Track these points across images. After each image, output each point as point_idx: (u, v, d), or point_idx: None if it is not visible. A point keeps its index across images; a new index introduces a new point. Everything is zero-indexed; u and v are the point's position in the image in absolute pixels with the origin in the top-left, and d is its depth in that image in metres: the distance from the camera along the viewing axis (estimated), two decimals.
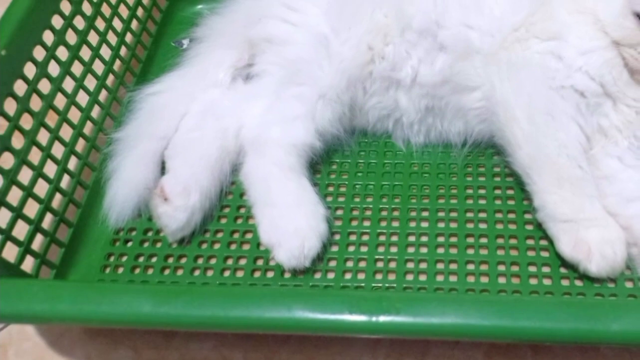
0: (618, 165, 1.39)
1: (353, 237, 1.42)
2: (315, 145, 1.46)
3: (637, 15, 1.30)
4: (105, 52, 1.64)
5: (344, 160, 1.57)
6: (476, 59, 1.44)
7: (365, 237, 1.42)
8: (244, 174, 1.45)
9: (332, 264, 1.37)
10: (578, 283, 1.32)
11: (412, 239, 1.41)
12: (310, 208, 1.37)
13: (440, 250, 1.39)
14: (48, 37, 1.44)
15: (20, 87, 1.34)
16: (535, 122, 1.35)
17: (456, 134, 1.54)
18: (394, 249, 1.39)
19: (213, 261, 1.39)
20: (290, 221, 1.34)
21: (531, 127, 1.35)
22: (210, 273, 1.37)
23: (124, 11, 1.73)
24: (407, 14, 1.46)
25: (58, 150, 1.43)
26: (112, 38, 1.66)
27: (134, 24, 1.78)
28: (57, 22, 1.47)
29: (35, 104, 1.38)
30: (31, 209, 1.33)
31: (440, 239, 1.40)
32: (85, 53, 1.56)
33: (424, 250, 1.39)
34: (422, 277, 1.35)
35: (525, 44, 1.40)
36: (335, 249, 1.40)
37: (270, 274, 1.37)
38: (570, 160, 1.32)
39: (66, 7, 1.51)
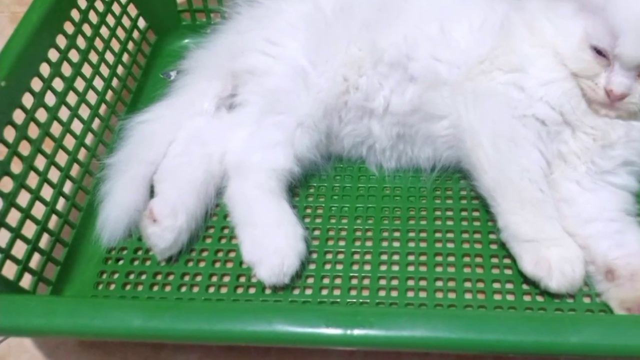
0: (576, 188, 1.40)
1: (329, 256, 1.43)
2: (294, 170, 1.46)
3: (593, 48, 1.31)
4: (98, 83, 1.65)
5: (320, 184, 1.58)
6: (444, 89, 1.44)
7: (340, 256, 1.43)
8: (228, 196, 1.46)
9: (310, 280, 1.38)
10: (539, 299, 1.33)
11: (384, 257, 1.42)
12: (289, 228, 1.37)
13: (411, 268, 1.40)
14: (45, 69, 1.45)
15: (19, 116, 1.35)
16: (499, 149, 1.36)
17: (425, 159, 1.55)
18: (367, 267, 1.40)
19: (199, 278, 1.40)
20: (271, 241, 1.35)
21: (495, 153, 1.36)
22: (196, 289, 1.38)
23: (115, 45, 1.74)
24: (380, 47, 1.47)
25: (54, 174, 1.44)
26: (104, 70, 1.68)
27: (125, 57, 1.79)
28: (53, 55, 1.48)
29: (33, 131, 1.39)
30: (29, 229, 1.34)
31: (411, 258, 1.41)
32: (80, 84, 1.57)
33: (395, 268, 1.40)
34: (394, 293, 1.36)
35: (490, 75, 1.41)
36: (312, 266, 1.40)
37: (252, 290, 1.37)
38: (532, 184, 1.33)
39: (62, 42, 1.52)
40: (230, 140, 1.50)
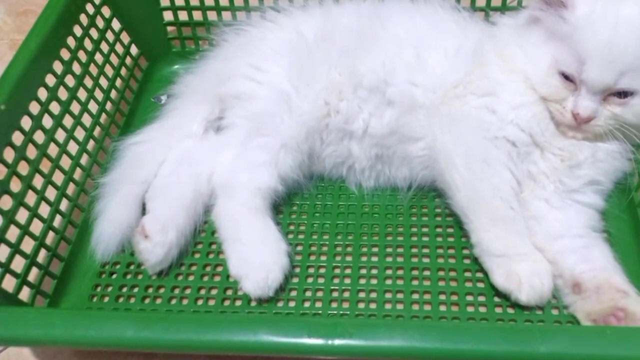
0: (545, 206, 1.41)
1: (311, 270, 1.44)
2: (278, 189, 1.47)
3: (561, 74, 1.33)
4: (93, 106, 1.65)
5: (303, 202, 1.58)
6: (420, 112, 1.45)
7: (322, 270, 1.44)
8: (215, 214, 1.46)
9: (293, 293, 1.39)
10: (510, 310, 1.35)
11: (363, 271, 1.43)
12: (273, 244, 1.38)
13: (389, 282, 1.41)
14: (42, 93, 1.46)
15: (17, 138, 1.36)
16: (472, 169, 1.37)
17: (402, 178, 1.56)
18: (347, 280, 1.41)
19: (188, 291, 1.41)
20: (256, 256, 1.36)
21: (469, 173, 1.37)
22: (185, 302, 1.39)
23: (109, 70, 1.74)
24: (359, 73, 1.48)
25: (51, 193, 1.45)
26: (99, 94, 1.69)
27: (118, 82, 1.79)
28: (50, 80, 1.49)
29: (31, 152, 1.40)
30: (27, 245, 1.35)
31: (389, 272, 1.43)
32: (75, 108, 1.58)
33: (374, 281, 1.41)
34: (373, 305, 1.37)
35: (463, 99, 1.42)
36: (295, 280, 1.41)
37: (238, 303, 1.39)
38: (503, 202, 1.34)
39: (58, 67, 1.53)
40: (217, 160, 1.50)
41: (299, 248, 1.49)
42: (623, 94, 1.31)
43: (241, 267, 1.36)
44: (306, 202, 1.59)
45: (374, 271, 1.43)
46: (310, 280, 1.42)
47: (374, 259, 1.46)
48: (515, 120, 1.38)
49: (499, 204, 1.35)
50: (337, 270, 1.44)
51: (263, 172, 1.45)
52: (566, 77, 1.33)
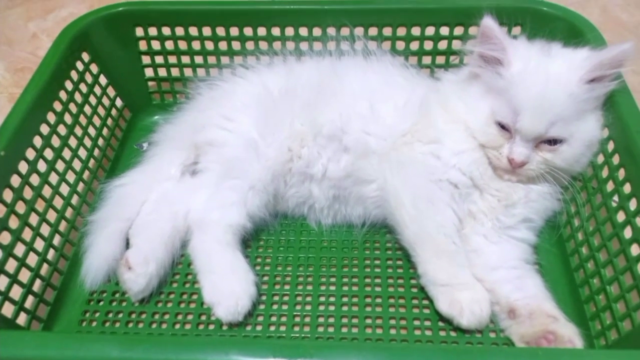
0: (484, 241, 1.44)
1: (276, 298, 1.45)
2: (247, 226, 1.49)
3: (498, 123, 1.36)
4: (82, 152, 1.67)
5: (269, 237, 1.60)
6: (373, 158, 1.47)
7: (286, 298, 1.45)
8: (191, 247, 1.48)
9: (260, 318, 1.41)
10: (453, 334, 1.37)
11: (322, 299, 1.45)
12: (242, 275, 1.40)
13: (345, 308, 1.43)
14: (38, 140, 1.48)
15: (15, 181, 1.39)
16: (419, 208, 1.39)
17: (357, 216, 1.58)
18: (308, 307, 1.43)
19: (167, 316, 1.42)
20: (227, 285, 1.37)
21: (415, 211, 1.39)
22: (164, 326, 1.41)
23: (97, 121, 1.76)
24: (319, 123, 1.51)
25: (45, 229, 1.47)
26: (87, 142, 1.70)
27: (105, 131, 1.80)
28: (44, 129, 1.51)
29: (28, 193, 1.42)
30: (24, 275, 1.37)
31: (345, 299, 1.45)
32: (67, 153, 1.60)
33: (332, 308, 1.43)
34: (331, 329, 1.39)
35: (411, 146, 1.45)
36: (262, 307, 1.43)
37: (212, 327, 1.40)
38: (447, 238, 1.37)
39: (52, 118, 1.54)
40: (193, 200, 1.52)
41: (265, 278, 1.50)
42: (553, 142, 1.34)
43: (214, 295, 1.38)
44: (271, 237, 1.60)
45: (332, 299, 1.45)
46: (275, 307, 1.43)
47: (332, 287, 1.48)
48: (457, 165, 1.41)
49: (443, 239, 1.37)
50: (299, 298, 1.45)
51: (233, 211, 1.47)
52: (502, 127, 1.36)
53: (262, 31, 1.78)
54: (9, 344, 1.06)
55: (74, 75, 1.67)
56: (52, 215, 1.49)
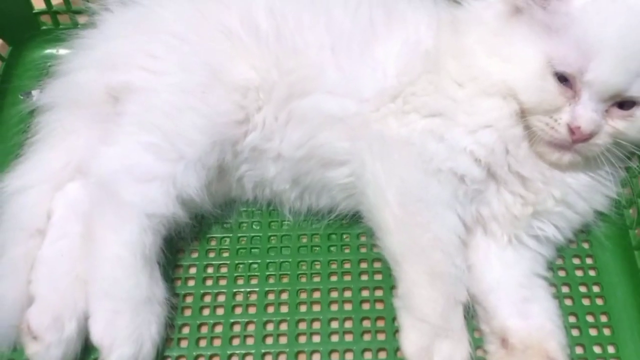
0: (485, 254, 1.17)
1: (237, 328, 1.13)
2: (178, 214, 1.11)
3: (557, 76, 1.04)
4: None
5: (224, 234, 1.25)
6: (340, 129, 1.15)
7: (250, 327, 1.13)
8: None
9: None
10: None
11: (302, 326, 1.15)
12: (154, 308, 1.05)
13: (334, 338, 1.13)
14: None
15: None
16: (408, 209, 1.09)
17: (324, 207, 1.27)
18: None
19: None
20: (130, 322, 1.03)
21: (403, 214, 1.09)
22: None
23: None
24: (283, 69, 1.17)
25: None
26: None
27: None
28: None
29: None
30: None
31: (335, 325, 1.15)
32: None
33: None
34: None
35: (403, 118, 1.13)
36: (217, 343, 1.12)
37: None
38: (445, 257, 1.08)
39: None
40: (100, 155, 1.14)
41: (221, 299, 1.17)
42: (626, 104, 1.06)
43: (106, 334, 1.02)
44: (228, 234, 1.25)
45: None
46: (236, 342, 1.12)
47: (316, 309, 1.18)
48: (471, 147, 1.09)
49: (440, 257, 1.07)
50: (270, 327, 1.14)
51: (155, 190, 1.09)
52: (562, 81, 1.05)
53: None
54: None
55: None
56: None
